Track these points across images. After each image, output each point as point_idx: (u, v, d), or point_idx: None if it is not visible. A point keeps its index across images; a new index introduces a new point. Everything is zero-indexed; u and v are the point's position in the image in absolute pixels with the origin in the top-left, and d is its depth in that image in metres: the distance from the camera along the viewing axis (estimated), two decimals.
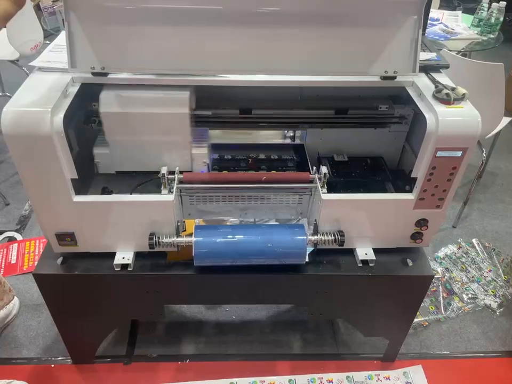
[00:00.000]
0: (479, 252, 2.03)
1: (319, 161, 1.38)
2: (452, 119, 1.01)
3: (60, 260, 1.21)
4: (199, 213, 1.28)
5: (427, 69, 1.18)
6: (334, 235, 1.18)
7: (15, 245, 1.99)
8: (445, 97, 1.04)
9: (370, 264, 1.25)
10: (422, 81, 1.14)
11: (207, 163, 1.23)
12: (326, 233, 1.18)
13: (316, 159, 1.39)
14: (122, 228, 1.17)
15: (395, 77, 1.12)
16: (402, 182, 1.33)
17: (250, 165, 1.31)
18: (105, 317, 1.35)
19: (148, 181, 1.23)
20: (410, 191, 1.17)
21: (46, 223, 1.14)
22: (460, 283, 1.88)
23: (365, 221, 1.20)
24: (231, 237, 1.16)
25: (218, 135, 1.37)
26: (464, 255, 2.00)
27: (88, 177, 1.31)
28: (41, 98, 0.99)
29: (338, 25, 1.05)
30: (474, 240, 2.09)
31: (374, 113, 1.31)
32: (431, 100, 1.06)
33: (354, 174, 1.35)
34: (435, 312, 1.76)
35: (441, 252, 2.02)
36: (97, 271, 1.20)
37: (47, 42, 2.76)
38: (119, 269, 1.20)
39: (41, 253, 1.26)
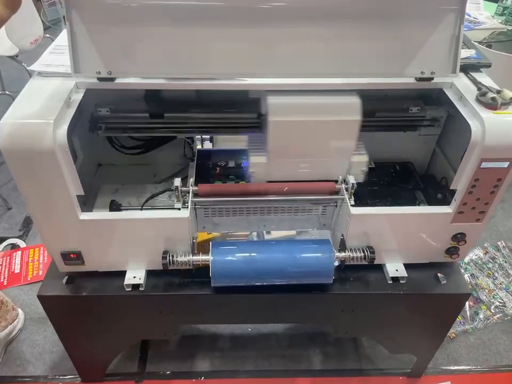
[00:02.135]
0: (506, 256, 1.93)
1: None
2: (500, 127, 0.91)
3: (65, 279, 1.12)
4: (214, 226, 1.18)
5: (466, 68, 1.07)
6: (364, 251, 1.08)
7: (19, 252, 1.90)
8: (491, 102, 0.93)
9: (401, 281, 1.15)
10: (462, 82, 1.03)
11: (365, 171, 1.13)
12: (355, 250, 1.09)
13: None
14: (133, 246, 1.08)
15: (432, 78, 1.01)
16: (433, 189, 1.23)
17: None
18: (115, 337, 1.27)
19: (159, 193, 1.14)
20: (443, 199, 1.07)
21: (50, 242, 1.04)
22: (486, 290, 1.78)
23: (397, 236, 1.10)
24: (250, 255, 1.06)
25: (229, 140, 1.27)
26: (490, 260, 1.90)
27: (94, 188, 1.22)
28: (42, 108, 0.88)
29: (369, 22, 0.94)
30: (499, 243, 1.99)
31: (403, 115, 1.20)
32: (474, 104, 0.95)
33: (382, 181, 1.24)
34: (462, 323, 1.66)
35: (466, 256, 1.92)
36: (106, 292, 1.11)
37: (47, 36, 2.65)
38: (130, 289, 1.11)
39: (45, 263, 1.17)
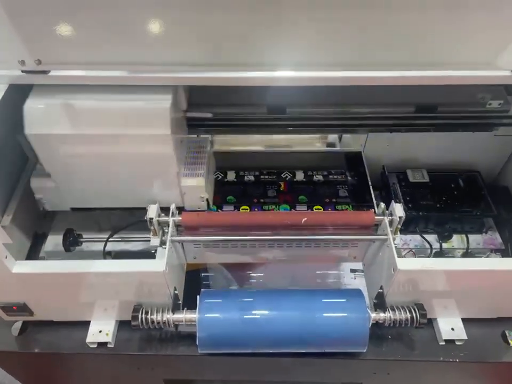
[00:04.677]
0: None
1: (384, 180, 0.94)
2: None
3: (16, 329, 0.86)
4: (207, 257, 0.89)
5: None
6: (410, 311, 0.78)
7: None
8: None
9: (457, 343, 0.85)
10: None
11: (205, 198, 0.82)
12: (398, 308, 0.78)
13: (380, 177, 0.95)
14: (94, 298, 0.80)
15: None
16: (507, 207, 0.90)
17: (283, 193, 0.88)
18: None
19: (129, 225, 0.84)
20: None
21: None
22: None
23: (459, 292, 0.79)
24: (252, 314, 0.77)
25: (231, 144, 0.94)
26: None
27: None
28: None
29: None
30: None
31: (477, 110, 0.85)
32: None
33: (440, 203, 0.90)
34: None
35: None
36: (63, 348, 0.84)
37: None
38: (96, 346, 0.85)
39: None
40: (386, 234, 0.77)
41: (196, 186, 0.81)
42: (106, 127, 0.71)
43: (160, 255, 0.77)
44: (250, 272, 0.97)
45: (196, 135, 0.89)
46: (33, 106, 0.70)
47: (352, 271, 0.98)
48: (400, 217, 0.76)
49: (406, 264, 0.72)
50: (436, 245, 0.89)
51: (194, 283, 0.96)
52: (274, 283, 0.99)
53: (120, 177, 0.80)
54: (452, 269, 0.72)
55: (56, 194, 0.82)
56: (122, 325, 0.86)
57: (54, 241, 0.90)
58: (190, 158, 0.85)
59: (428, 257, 0.89)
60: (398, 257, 0.73)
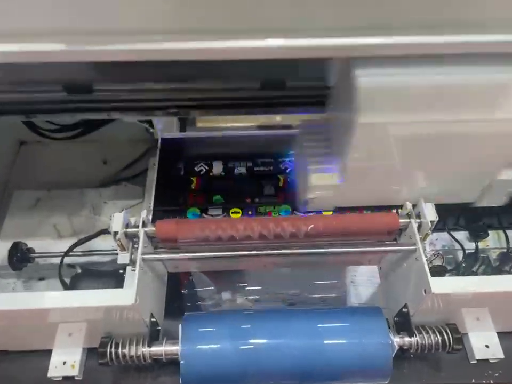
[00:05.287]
0: None
1: None
2: None
3: None
4: (192, 266, 0.74)
5: None
6: (441, 334, 0.64)
7: None
8: None
9: (491, 361, 0.72)
10: None
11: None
12: (426, 330, 0.64)
13: None
14: (53, 325, 0.65)
15: None
16: None
17: (283, 189, 0.71)
18: None
19: (87, 239, 0.67)
20: None
21: None
22: None
23: (496, 302, 0.65)
24: (247, 343, 0.63)
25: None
26: None
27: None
28: None
29: None
30: None
31: None
32: None
33: None
34: None
35: None
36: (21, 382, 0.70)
37: None
38: (61, 379, 0.70)
39: None
40: (414, 244, 0.61)
41: None
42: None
43: (130, 280, 0.61)
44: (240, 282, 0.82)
45: None
46: (369, 86, 0.49)
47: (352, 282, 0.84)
48: (432, 222, 0.60)
49: (442, 286, 0.57)
50: (469, 245, 0.74)
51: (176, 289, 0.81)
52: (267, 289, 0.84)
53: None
54: (501, 290, 0.58)
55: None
56: (92, 351, 0.72)
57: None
58: None
59: (460, 261, 0.74)
60: (431, 274, 0.58)
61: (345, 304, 0.87)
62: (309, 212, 0.68)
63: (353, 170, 0.60)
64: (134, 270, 0.59)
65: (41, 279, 0.77)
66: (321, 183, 0.62)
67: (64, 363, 0.69)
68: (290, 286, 0.89)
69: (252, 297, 0.88)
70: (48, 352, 0.70)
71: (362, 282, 0.90)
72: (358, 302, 0.88)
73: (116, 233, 0.60)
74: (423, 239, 0.62)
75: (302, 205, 0.67)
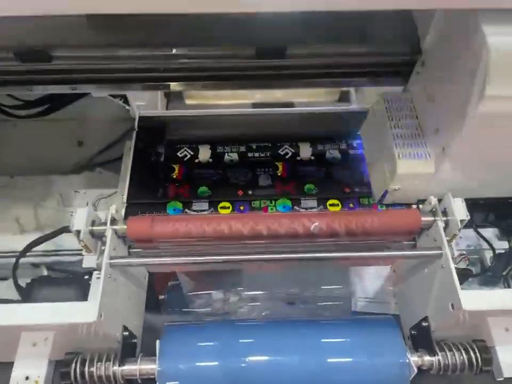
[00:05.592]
0: None
1: None
2: None
3: None
4: (176, 267, 0.64)
5: None
6: (468, 352, 0.54)
7: None
8: None
9: None
10: None
11: None
12: (449, 347, 0.54)
13: None
14: (13, 336, 0.55)
15: None
16: None
17: (281, 179, 0.59)
18: None
19: (43, 240, 0.56)
20: None
21: None
22: None
23: None
24: (239, 361, 0.53)
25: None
26: None
27: None
28: None
29: None
30: None
31: None
32: None
33: None
34: None
35: None
36: None
37: None
38: None
39: None
40: (439, 247, 0.51)
41: None
42: None
43: (95, 289, 0.51)
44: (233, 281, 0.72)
45: None
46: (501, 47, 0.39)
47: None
48: (461, 221, 0.50)
49: (474, 301, 0.46)
50: (499, 244, 0.63)
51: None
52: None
53: None
54: None
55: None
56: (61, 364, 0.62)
57: None
58: None
59: (491, 263, 0.63)
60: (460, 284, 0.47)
61: (350, 302, 0.77)
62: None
63: (459, 157, 0.48)
64: (99, 277, 0.48)
65: (4, 279, 0.67)
66: (410, 171, 0.51)
67: (27, 378, 0.60)
68: (289, 284, 0.80)
69: (247, 293, 0.79)
70: (9, 365, 0.61)
71: (369, 275, 0.81)
72: (365, 297, 0.79)
73: (78, 232, 0.50)
74: (450, 241, 0.51)
75: (377, 197, 0.57)
